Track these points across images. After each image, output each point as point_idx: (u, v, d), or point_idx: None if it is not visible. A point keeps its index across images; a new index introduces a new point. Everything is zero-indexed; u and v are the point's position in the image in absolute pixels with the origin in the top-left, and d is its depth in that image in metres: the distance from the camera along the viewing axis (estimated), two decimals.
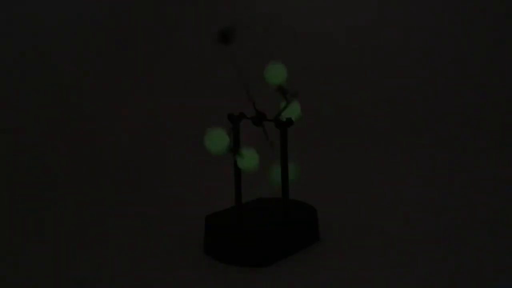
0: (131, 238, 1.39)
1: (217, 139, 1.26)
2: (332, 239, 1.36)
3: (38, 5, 2.05)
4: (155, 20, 2.19)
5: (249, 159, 1.27)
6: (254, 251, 1.25)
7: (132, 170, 1.79)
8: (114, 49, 2.13)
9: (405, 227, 1.40)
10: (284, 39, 2.22)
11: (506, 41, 2.22)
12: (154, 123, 2.04)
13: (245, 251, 1.25)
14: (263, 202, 1.39)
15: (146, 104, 2.09)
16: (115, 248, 1.34)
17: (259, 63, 1.44)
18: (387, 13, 2.29)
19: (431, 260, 1.25)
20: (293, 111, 1.33)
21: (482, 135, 1.96)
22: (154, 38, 2.19)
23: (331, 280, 1.19)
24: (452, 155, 1.83)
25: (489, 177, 1.67)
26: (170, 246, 1.34)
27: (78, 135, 1.94)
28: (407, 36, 2.27)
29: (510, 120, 2.04)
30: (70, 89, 2.04)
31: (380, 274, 1.21)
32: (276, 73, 1.30)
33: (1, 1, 2.02)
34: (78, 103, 2.02)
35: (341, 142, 1.95)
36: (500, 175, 1.68)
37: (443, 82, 2.19)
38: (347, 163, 1.80)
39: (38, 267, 1.27)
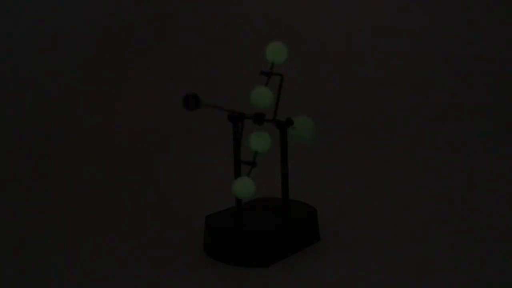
0: (131, 238, 1.39)
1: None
2: (332, 239, 1.35)
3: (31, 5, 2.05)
4: (154, 18, 2.20)
5: (262, 139, 1.27)
6: (254, 251, 1.25)
7: (132, 170, 1.79)
8: (110, 47, 2.13)
9: (406, 227, 1.40)
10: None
11: (506, 40, 2.22)
12: (153, 122, 2.04)
13: (245, 251, 1.25)
14: (263, 202, 1.39)
15: (145, 103, 2.09)
16: (115, 248, 1.34)
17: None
18: (387, 10, 2.29)
19: (431, 260, 1.25)
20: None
21: (483, 136, 1.96)
22: (152, 36, 2.19)
23: (331, 280, 1.19)
24: (452, 155, 1.83)
25: (490, 177, 1.66)
26: (170, 246, 1.34)
27: (75, 135, 1.94)
28: (406, 35, 2.27)
29: (510, 118, 2.04)
30: (65, 88, 2.04)
31: (380, 274, 1.21)
32: (265, 96, 1.26)
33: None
34: (75, 102, 2.02)
35: (341, 142, 1.95)
36: (502, 175, 1.68)
37: (442, 82, 2.20)
38: (347, 163, 1.80)
39: (38, 268, 1.27)
